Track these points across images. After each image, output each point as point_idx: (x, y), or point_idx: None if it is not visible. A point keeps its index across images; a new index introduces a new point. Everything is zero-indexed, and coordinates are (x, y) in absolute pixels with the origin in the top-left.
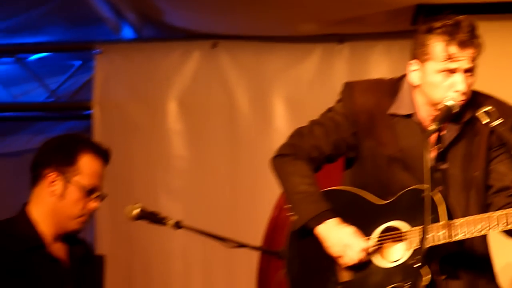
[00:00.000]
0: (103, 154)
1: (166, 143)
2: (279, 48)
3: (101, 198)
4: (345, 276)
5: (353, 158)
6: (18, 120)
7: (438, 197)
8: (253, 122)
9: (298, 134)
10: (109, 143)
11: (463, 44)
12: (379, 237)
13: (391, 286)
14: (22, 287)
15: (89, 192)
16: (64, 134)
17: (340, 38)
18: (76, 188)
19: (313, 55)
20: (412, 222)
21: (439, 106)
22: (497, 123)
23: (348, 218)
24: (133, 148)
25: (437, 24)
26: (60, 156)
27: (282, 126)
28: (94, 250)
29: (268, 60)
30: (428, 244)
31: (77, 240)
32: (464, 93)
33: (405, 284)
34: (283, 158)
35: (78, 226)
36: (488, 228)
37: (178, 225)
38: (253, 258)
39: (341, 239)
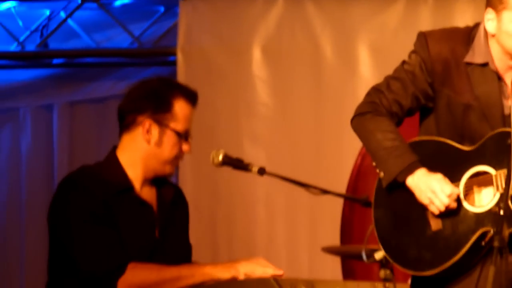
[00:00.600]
0: (193, 98)
1: (251, 90)
2: None
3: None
4: (437, 224)
5: (428, 109)
6: (101, 66)
7: None
8: (337, 70)
9: (375, 91)
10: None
11: None
12: (467, 182)
13: (481, 230)
14: (112, 230)
15: (183, 136)
16: (152, 78)
17: None
18: (172, 134)
19: (398, 2)
20: (499, 167)
21: None
22: None
23: (436, 166)
24: (217, 94)
25: None
26: (155, 103)
27: (366, 74)
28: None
29: (353, 7)
30: None
31: (167, 183)
32: None
33: (492, 230)
34: (363, 117)
35: (171, 170)
36: None
37: (262, 172)
38: (337, 205)
39: (429, 186)
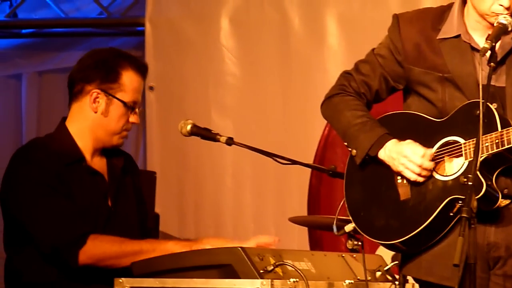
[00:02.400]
0: (143, 70)
1: (218, 60)
2: None
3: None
4: (405, 193)
5: (407, 90)
6: (70, 36)
7: (492, 109)
8: (305, 40)
9: (344, 75)
10: (161, 59)
11: None
12: (437, 151)
13: (449, 198)
14: (68, 201)
15: (131, 107)
16: (103, 49)
17: None
18: (119, 104)
19: None
20: (468, 137)
21: (489, 19)
22: None
23: (407, 137)
24: (185, 64)
25: None
26: (102, 72)
27: (334, 44)
28: (146, 166)
29: None
30: (482, 155)
31: (118, 151)
32: (507, 8)
33: (461, 197)
34: (331, 99)
35: (119, 141)
36: None
37: (229, 142)
38: (304, 175)
39: (401, 152)
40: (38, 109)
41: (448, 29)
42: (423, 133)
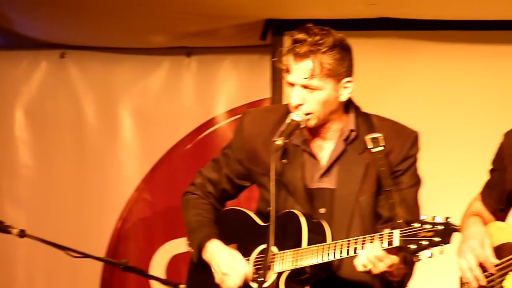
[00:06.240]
0: None
1: (12, 152)
2: (127, 60)
3: None
4: None
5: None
6: None
7: (303, 220)
8: (100, 133)
9: (198, 172)
10: None
11: (297, 56)
12: (256, 258)
13: None
14: None
15: None
16: None
17: (188, 51)
18: None
19: (161, 67)
20: (281, 246)
21: (287, 120)
22: (378, 150)
23: (234, 237)
24: None
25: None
26: None
27: (129, 138)
28: None
29: (116, 71)
30: (280, 270)
31: None
32: (296, 107)
33: None
34: (183, 197)
35: None
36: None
37: (22, 234)
38: (97, 268)
39: (220, 266)
40: None
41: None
42: (248, 236)
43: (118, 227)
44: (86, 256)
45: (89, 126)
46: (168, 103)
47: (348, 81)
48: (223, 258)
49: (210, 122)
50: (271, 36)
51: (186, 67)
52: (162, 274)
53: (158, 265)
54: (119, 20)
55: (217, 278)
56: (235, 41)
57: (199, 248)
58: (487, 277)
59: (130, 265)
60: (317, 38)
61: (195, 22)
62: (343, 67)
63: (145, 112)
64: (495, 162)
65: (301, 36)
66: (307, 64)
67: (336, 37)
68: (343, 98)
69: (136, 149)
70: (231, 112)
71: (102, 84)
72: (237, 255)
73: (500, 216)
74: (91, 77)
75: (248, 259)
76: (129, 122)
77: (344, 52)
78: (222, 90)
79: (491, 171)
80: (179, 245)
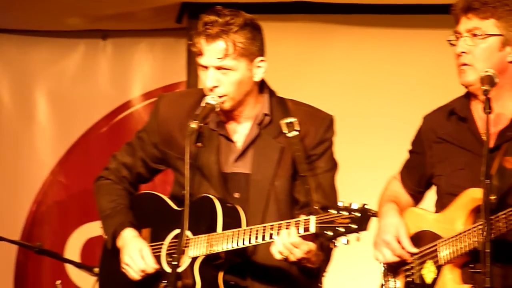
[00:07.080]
0: None
1: None
2: (42, 43)
3: None
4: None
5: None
6: None
7: (218, 205)
8: (15, 116)
9: (112, 157)
10: None
11: (209, 37)
12: (170, 243)
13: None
14: None
15: None
16: None
17: (104, 34)
18: None
19: (77, 50)
20: (195, 230)
21: (202, 104)
22: (293, 135)
23: (150, 221)
24: None
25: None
26: None
27: (44, 121)
28: None
29: (31, 54)
30: (194, 255)
31: None
32: (211, 90)
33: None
34: (96, 183)
35: None
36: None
37: None
38: (12, 251)
39: (124, 256)
40: None
41: None
42: (162, 220)
43: (33, 210)
44: (1, 239)
45: (4, 108)
46: (83, 86)
47: (261, 60)
48: (130, 249)
49: (125, 105)
50: (187, 19)
51: (102, 50)
52: (77, 257)
53: (73, 248)
54: (34, 2)
55: (123, 268)
56: (151, 24)
57: (114, 235)
58: (406, 268)
59: (45, 248)
60: (228, 18)
61: (111, 4)
62: (256, 46)
63: (61, 95)
64: (414, 144)
65: (211, 17)
66: (220, 44)
67: (246, 16)
68: (257, 78)
69: (51, 132)
70: (147, 95)
71: (17, 66)
72: (145, 248)
73: (418, 198)
74: (6, 60)
75: (162, 244)
76: (44, 104)
77: (255, 31)
78: (138, 73)
79: (411, 152)
80: (94, 228)
